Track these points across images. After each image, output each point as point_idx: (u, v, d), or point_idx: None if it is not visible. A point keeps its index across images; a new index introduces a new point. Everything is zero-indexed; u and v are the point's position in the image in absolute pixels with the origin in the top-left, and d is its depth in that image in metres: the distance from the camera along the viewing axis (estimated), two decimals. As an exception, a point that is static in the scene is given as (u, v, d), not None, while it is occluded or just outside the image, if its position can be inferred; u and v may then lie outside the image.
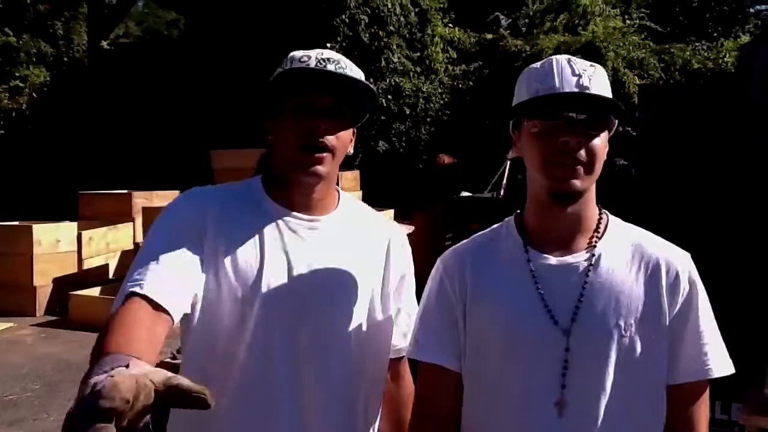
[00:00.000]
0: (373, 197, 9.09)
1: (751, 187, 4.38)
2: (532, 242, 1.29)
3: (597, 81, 1.22)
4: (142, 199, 8.52)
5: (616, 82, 11.81)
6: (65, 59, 15.58)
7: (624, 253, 1.28)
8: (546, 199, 1.24)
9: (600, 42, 12.15)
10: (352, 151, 1.43)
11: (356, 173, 9.07)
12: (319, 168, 1.32)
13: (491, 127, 12.06)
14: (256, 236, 1.34)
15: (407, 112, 11.89)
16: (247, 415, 1.29)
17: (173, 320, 1.17)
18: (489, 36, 13.35)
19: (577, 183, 1.20)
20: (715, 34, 18.00)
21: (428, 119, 12.31)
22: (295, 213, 1.37)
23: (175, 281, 1.20)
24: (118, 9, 15.61)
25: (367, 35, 11.48)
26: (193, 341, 1.33)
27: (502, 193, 7.05)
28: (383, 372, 1.46)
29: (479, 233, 1.41)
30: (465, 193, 7.22)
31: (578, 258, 1.26)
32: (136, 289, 1.13)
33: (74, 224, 7.99)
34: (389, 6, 11.70)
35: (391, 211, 8.57)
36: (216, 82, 11.60)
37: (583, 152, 1.19)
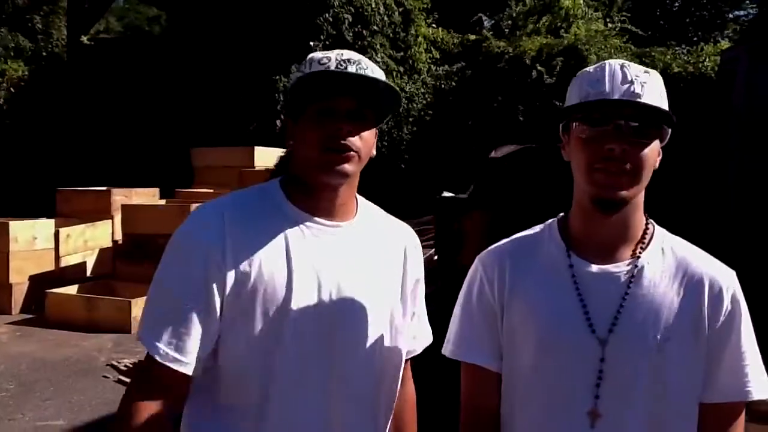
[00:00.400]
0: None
1: (732, 191, 4.41)
2: (575, 248, 1.28)
3: (650, 88, 1.18)
4: (121, 197, 8.42)
5: (597, 85, 11.88)
6: (44, 54, 15.39)
7: (668, 266, 1.26)
8: (589, 205, 1.23)
9: (582, 45, 12.24)
10: (375, 153, 1.40)
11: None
12: (346, 166, 1.29)
13: (474, 127, 12.11)
14: (282, 244, 1.30)
15: (390, 111, 11.87)
16: None
17: (193, 378, 1.25)
18: (472, 37, 13.40)
19: (620, 191, 1.19)
20: (695, 39, 18.22)
21: (411, 119, 12.32)
22: (317, 218, 1.34)
23: (194, 332, 1.23)
24: (99, 4, 15.44)
25: (351, 34, 11.47)
26: (217, 363, 1.29)
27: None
28: (399, 378, 1.46)
29: (520, 234, 1.39)
30: (447, 194, 7.23)
31: (621, 267, 1.25)
32: (158, 358, 1.21)
33: (51, 221, 7.88)
34: (373, 5, 11.69)
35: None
36: (197, 79, 11.52)
37: (629, 161, 1.17)
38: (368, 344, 1.34)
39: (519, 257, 1.33)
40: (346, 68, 1.28)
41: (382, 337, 1.37)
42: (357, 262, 1.35)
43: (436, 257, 6.97)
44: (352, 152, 1.29)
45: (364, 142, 1.32)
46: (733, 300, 1.25)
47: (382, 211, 1.52)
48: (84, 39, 14.16)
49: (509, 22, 14.08)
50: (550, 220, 1.37)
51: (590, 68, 1.25)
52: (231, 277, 1.25)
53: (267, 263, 1.27)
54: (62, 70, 14.06)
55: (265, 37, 10.99)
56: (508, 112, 11.95)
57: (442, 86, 12.69)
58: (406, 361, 1.51)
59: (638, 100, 1.16)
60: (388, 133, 12.03)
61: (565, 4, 13.50)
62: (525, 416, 1.28)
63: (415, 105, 12.28)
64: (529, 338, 1.26)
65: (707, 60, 11.81)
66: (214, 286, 1.24)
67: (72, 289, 7.10)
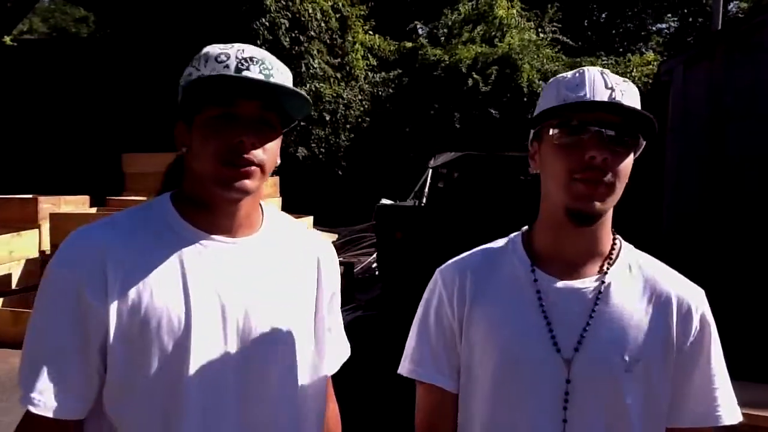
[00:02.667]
0: (293, 204, 9.01)
1: (670, 206, 4.46)
2: (540, 263, 1.21)
3: (629, 97, 1.13)
4: (49, 205, 8.11)
5: (531, 93, 12.20)
6: (-37, 55, 14.69)
7: (636, 283, 1.21)
8: (563, 217, 1.16)
9: (516, 54, 12.52)
10: (279, 162, 1.26)
11: (275, 179, 8.96)
12: (247, 183, 1.15)
13: (411, 134, 12.22)
14: (176, 269, 1.15)
15: (327, 118, 11.86)
16: None
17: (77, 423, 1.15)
18: (408, 44, 13.53)
19: (598, 203, 1.12)
20: (621, 50, 18.91)
21: (348, 126, 12.33)
22: (217, 237, 1.20)
23: (71, 376, 1.12)
24: (22, 3, 14.85)
25: (288, 40, 11.40)
26: (109, 411, 1.15)
27: (423, 201, 7.14)
28: (323, 400, 1.35)
29: (481, 247, 1.31)
30: (386, 201, 7.25)
31: (587, 284, 1.18)
32: (39, 412, 1.10)
33: (-28, 230, 7.53)
34: (310, 11, 11.66)
35: (311, 218, 8.51)
36: (128, 82, 11.22)
37: (609, 171, 1.11)
38: (287, 370, 1.22)
39: (480, 272, 1.25)
40: (248, 68, 1.14)
41: (301, 360, 1.25)
42: (264, 281, 1.22)
43: (375, 264, 6.98)
44: (254, 167, 1.15)
45: (269, 153, 1.18)
46: (702, 320, 1.19)
47: (292, 219, 1.40)
48: (7, 40, 13.60)
49: (444, 30, 14.27)
50: (514, 234, 1.30)
51: (567, 74, 1.19)
52: (113, 312, 1.11)
53: (159, 292, 1.13)
54: (-17, 72, 13.47)
55: (199, 41, 10.75)
56: (444, 119, 12.11)
57: (380, 93, 12.76)
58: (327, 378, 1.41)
59: (622, 105, 1.11)
60: (326, 140, 12.01)
61: (499, 14, 13.78)
62: None
63: (352, 112, 12.29)
64: (491, 357, 1.19)
65: (634, 70, 12.27)
66: (91, 325, 1.11)
67: (-4, 302, 6.80)
